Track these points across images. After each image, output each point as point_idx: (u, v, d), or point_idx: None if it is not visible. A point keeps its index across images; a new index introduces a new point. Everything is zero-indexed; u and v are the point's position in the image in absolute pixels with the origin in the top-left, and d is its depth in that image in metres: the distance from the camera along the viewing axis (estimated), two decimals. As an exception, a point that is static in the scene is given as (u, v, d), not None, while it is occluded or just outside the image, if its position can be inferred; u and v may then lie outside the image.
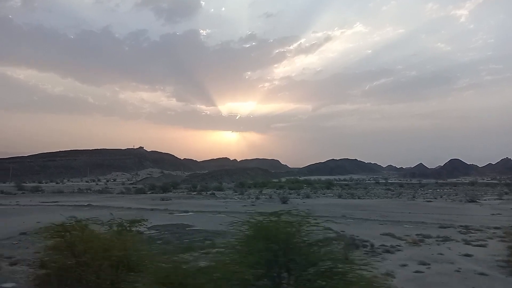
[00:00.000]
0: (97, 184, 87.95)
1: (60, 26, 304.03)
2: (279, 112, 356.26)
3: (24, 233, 14.67)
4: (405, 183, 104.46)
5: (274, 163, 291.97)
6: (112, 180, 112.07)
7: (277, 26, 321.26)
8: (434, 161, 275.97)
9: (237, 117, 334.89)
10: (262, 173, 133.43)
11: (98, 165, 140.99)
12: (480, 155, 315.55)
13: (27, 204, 31.60)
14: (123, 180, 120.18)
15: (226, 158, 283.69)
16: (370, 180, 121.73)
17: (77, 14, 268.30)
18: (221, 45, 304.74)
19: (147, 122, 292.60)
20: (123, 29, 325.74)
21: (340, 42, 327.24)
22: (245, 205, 29.66)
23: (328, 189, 67.80)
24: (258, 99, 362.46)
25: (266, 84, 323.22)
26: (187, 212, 24.94)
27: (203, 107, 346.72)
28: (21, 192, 52.78)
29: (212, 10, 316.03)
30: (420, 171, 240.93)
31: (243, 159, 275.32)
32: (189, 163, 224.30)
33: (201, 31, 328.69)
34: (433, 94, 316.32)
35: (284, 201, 33.18)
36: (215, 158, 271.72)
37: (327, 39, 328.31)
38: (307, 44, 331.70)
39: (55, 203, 31.89)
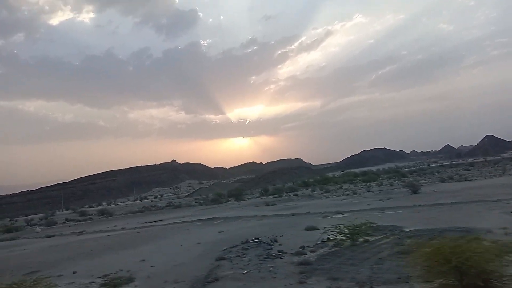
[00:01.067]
0: (152, 201, 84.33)
1: (64, 54, 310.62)
2: (288, 113, 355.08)
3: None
4: (460, 163, 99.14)
5: (298, 162, 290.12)
6: (159, 196, 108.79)
7: (277, 27, 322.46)
8: (459, 141, 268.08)
9: (246, 122, 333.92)
10: (306, 171, 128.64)
11: (137, 183, 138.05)
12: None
13: (132, 227, 27.62)
14: (168, 194, 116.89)
15: (253, 162, 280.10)
16: (419, 166, 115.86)
17: (79, 41, 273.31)
18: (223, 53, 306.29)
19: (159, 138, 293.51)
20: (125, 50, 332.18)
21: (341, 35, 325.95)
22: (380, 200, 26.28)
23: (403, 177, 62.86)
24: (265, 102, 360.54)
25: (272, 86, 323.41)
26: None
27: (212, 116, 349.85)
28: (88, 217, 49.01)
29: (211, 20, 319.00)
30: (450, 152, 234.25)
31: (268, 161, 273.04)
32: (219, 171, 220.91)
33: (202, 42, 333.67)
34: (441, 75, 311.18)
35: (415, 191, 29.75)
36: (243, 163, 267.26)
37: (328, 34, 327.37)
38: (308, 42, 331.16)
39: (165, 222, 27.87)
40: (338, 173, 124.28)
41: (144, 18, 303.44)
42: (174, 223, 26.41)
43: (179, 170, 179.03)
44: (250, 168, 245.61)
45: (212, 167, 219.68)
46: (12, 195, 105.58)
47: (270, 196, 49.61)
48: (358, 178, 70.28)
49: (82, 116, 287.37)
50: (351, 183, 61.29)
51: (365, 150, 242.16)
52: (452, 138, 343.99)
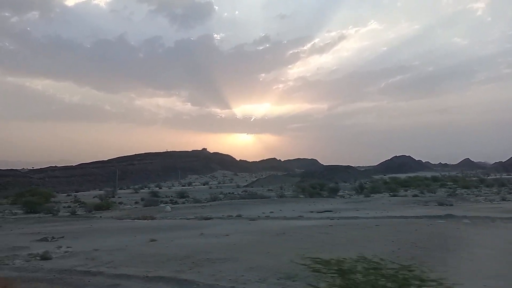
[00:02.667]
0: (211, 187, 79.35)
1: (77, 36, 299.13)
2: (294, 113, 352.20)
3: None
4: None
5: (314, 162, 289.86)
6: (204, 183, 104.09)
7: (290, 27, 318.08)
8: (479, 155, 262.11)
9: (251, 119, 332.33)
10: (355, 172, 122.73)
11: (172, 168, 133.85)
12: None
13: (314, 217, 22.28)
14: (213, 182, 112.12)
15: (274, 158, 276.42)
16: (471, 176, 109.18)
17: (93, 24, 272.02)
18: (235, 48, 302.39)
19: (164, 127, 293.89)
20: (138, 37, 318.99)
21: (354, 40, 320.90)
22: None
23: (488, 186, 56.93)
24: (272, 101, 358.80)
25: (281, 85, 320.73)
26: None
27: (218, 110, 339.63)
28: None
29: (226, 14, 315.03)
30: (471, 165, 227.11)
31: (286, 159, 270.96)
32: (244, 164, 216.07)
33: (215, 35, 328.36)
34: (451, 88, 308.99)
35: None
36: (265, 158, 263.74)
37: (342, 38, 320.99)
38: (321, 44, 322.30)
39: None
40: (379, 177, 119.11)
41: (159, 6, 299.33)
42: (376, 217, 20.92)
43: (211, 159, 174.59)
44: (271, 164, 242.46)
45: (238, 160, 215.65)
46: (54, 169, 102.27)
47: (376, 195, 44.10)
48: (438, 183, 64.71)
49: (88, 98, 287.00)
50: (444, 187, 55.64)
51: (396, 156, 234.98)
52: (469, 152, 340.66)
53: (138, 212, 32.31)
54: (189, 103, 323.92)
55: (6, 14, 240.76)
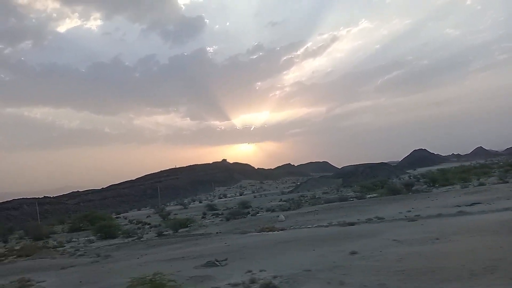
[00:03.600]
0: (255, 196, 75.54)
1: (71, 62, 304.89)
2: (293, 118, 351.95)
3: None
4: None
5: (326, 165, 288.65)
6: (235, 194, 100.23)
7: (282, 33, 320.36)
8: (488, 143, 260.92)
9: (251, 129, 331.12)
10: (389, 168, 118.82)
11: (198, 182, 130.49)
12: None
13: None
14: (246, 192, 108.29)
15: (289, 164, 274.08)
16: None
17: (86, 48, 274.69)
18: (229, 60, 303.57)
19: (165, 144, 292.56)
20: (132, 56, 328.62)
21: (347, 41, 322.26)
22: None
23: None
24: (271, 108, 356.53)
25: (277, 92, 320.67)
26: None
27: (217, 122, 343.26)
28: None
29: (217, 26, 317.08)
30: (486, 154, 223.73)
31: (300, 163, 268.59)
32: (263, 172, 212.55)
33: (208, 48, 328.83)
34: (448, 80, 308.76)
35: None
36: (280, 165, 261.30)
37: (334, 39, 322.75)
38: (314, 47, 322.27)
39: None
40: (413, 171, 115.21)
41: (151, 25, 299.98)
42: None
43: (232, 169, 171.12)
44: (287, 169, 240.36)
45: (256, 168, 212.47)
46: (87, 193, 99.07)
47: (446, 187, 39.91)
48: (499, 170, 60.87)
49: (88, 122, 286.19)
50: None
51: (415, 150, 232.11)
52: (483, 140, 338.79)
53: (241, 225, 28.82)
54: (188, 118, 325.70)
55: (0, 46, 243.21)
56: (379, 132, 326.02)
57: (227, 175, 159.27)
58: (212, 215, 43.83)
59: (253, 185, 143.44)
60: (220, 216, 40.99)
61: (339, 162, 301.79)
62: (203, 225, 34.85)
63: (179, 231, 32.63)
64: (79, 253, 22.91)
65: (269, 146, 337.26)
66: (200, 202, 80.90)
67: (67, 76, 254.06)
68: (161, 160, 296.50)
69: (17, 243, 35.71)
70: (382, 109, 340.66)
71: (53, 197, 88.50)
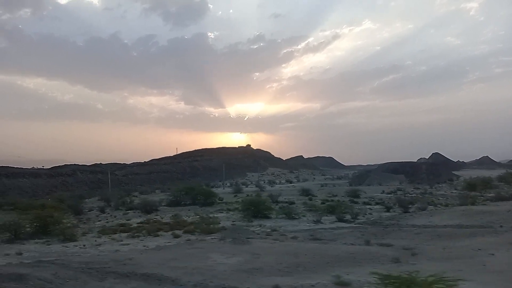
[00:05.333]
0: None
1: (69, 34, 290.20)
2: (287, 112, 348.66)
3: None
4: None
5: (331, 160, 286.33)
6: (278, 181, 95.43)
7: (285, 26, 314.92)
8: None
9: (245, 118, 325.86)
10: (445, 166, 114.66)
11: (231, 166, 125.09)
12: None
13: None
14: (282, 180, 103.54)
15: (301, 156, 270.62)
16: None
17: (86, 22, 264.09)
18: (229, 47, 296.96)
19: (157, 126, 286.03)
20: (131, 35, 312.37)
21: (348, 39, 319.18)
22: None
23: None
24: (266, 100, 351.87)
25: (274, 85, 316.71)
26: None
27: (211, 109, 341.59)
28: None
29: (220, 12, 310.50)
30: (493, 164, 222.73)
31: (310, 156, 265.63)
32: (282, 161, 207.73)
33: (209, 34, 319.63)
34: (443, 88, 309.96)
35: None
36: (293, 156, 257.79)
37: (336, 37, 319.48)
38: (315, 43, 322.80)
39: None
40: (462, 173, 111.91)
41: (153, 4, 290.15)
42: None
43: (257, 156, 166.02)
44: (300, 161, 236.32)
45: (276, 156, 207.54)
46: (132, 165, 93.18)
47: None
48: None
49: (81, 97, 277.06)
50: None
51: (437, 152, 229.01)
52: (487, 149, 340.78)
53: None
54: (182, 102, 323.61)
55: None
56: (371, 133, 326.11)
57: (253, 161, 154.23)
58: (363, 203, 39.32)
59: (283, 174, 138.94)
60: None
61: (346, 159, 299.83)
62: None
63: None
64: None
65: (261, 138, 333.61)
66: (257, 186, 75.99)
67: (64, 48, 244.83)
68: (157, 142, 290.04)
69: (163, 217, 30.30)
70: (376, 111, 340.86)
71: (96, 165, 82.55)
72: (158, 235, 22.19)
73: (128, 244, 19.95)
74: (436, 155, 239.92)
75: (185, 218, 29.49)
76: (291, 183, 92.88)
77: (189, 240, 20.38)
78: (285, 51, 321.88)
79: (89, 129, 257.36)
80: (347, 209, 29.41)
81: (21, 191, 52.65)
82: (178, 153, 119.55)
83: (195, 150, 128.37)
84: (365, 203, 38.85)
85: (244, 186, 71.89)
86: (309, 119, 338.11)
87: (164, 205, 41.31)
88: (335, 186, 71.50)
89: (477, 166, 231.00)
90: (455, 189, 57.10)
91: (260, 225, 24.60)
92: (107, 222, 29.90)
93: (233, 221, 27.36)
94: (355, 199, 42.92)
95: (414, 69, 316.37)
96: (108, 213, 36.28)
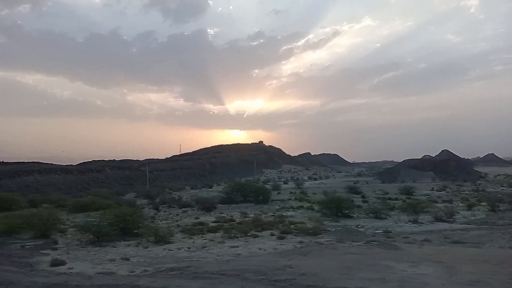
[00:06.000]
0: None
1: (69, 30, 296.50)
2: (287, 109, 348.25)
3: None
4: None
5: (336, 157, 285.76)
6: (298, 178, 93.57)
7: (285, 22, 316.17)
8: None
9: (244, 115, 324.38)
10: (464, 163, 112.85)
11: (248, 162, 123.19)
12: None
13: None
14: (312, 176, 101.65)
15: (308, 153, 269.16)
16: None
17: (85, 18, 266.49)
18: (229, 44, 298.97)
19: (156, 123, 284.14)
20: (131, 31, 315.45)
21: (348, 36, 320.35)
22: None
23: None
24: (266, 97, 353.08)
25: (274, 82, 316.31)
26: None
27: (210, 106, 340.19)
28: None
29: (220, 9, 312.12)
30: (498, 161, 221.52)
31: (316, 154, 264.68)
32: (293, 158, 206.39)
33: (209, 30, 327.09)
34: (443, 85, 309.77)
35: None
36: (301, 153, 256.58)
37: (335, 34, 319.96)
38: (315, 40, 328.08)
39: None
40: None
41: (153, 0, 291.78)
42: None
43: (270, 152, 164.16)
44: (309, 158, 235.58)
45: (287, 154, 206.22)
46: (155, 162, 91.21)
47: None
48: None
49: (80, 93, 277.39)
50: None
51: (446, 149, 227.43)
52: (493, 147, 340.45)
53: None
54: (182, 99, 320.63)
55: None
56: (371, 130, 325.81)
57: (267, 158, 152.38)
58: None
59: (300, 170, 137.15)
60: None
61: (352, 156, 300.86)
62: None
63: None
64: None
65: (260, 135, 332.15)
66: (286, 183, 74.07)
67: (63, 45, 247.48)
68: (159, 140, 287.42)
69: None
70: (375, 108, 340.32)
71: (121, 161, 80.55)
72: (257, 236, 20.30)
73: (237, 246, 18.02)
74: (445, 153, 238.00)
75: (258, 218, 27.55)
76: (315, 180, 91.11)
77: (301, 242, 18.43)
78: (285, 47, 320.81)
79: (90, 125, 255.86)
80: (427, 208, 27.62)
81: (55, 187, 50.75)
82: (196, 149, 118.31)
83: (211, 146, 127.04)
84: (430, 201, 36.97)
85: (281, 183, 69.69)
86: (309, 116, 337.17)
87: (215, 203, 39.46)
88: (368, 184, 69.60)
89: (484, 163, 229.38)
90: (502, 187, 55.42)
91: (358, 226, 22.68)
92: (176, 221, 27.96)
93: (314, 220, 25.45)
94: (411, 197, 41.14)
95: (414, 66, 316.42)
96: (165, 211, 34.32)
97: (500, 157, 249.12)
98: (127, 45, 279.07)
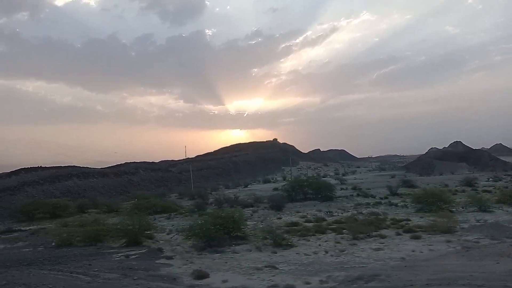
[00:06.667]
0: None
1: (67, 36, 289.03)
2: (287, 107, 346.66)
3: None
4: None
5: (343, 153, 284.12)
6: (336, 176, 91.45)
7: (282, 20, 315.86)
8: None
9: (245, 115, 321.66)
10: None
11: (266, 160, 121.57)
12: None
13: None
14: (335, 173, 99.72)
15: (318, 149, 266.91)
16: None
17: (83, 23, 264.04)
18: (227, 44, 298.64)
19: (157, 126, 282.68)
20: (129, 35, 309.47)
21: (346, 32, 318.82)
22: None
23: None
24: (265, 96, 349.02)
25: (273, 80, 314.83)
26: None
27: (210, 106, 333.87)
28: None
29: (217, 9, 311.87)
30: (505, 150, 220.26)
31: (325, 150, 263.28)
32: (301, 154, 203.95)
33: (207, 31, 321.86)
34: (443, 78, 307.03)
35: None
36: (312, 149, 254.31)
37: (334, 30, 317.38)
38: (313, 37, 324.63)
39: None
40: None
41: (150, 3, 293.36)
42: None
43: (285, 149, 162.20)
44: (320, 155, 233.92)
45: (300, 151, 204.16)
46: (180, 162, 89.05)
47: None
48: None
49: (80, 99, 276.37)
50: None
51: (459, 141, 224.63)
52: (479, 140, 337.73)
53: None
54: (181, 100, 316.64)
55: None
56: (372, 125, 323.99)
57: (283, 155, 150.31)
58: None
59: (319, 167, 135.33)
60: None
61: (358, 151, 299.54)
62: None
63: None
64: None
65: (261, 134, 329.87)
66: (338, 179, 71.82)
67: (62, 51, 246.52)
68: (163, 142, 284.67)
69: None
70: (375, 102, 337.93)
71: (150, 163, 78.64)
72: (384, 236, 18.17)
73: (380, 248, 16.03)
74: (459, 144, 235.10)
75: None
76: (343, 176, 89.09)
77: (449, 241, 16.36)
78: (283, 45, 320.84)
79: (89, 130, 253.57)
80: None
81: (96, 191, 48.95)
82: (217, 148, 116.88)
83: (231, 145, 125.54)
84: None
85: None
86: (309, 113, 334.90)
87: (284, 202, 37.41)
88: (407, 177, 67.52)
89: (496, 154, 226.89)
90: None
91: (478, 220, 20.68)
92: (260, 222, 26.01)
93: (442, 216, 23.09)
94: (475, 189, 39.10)
95: (414, 59, 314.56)
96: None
97: (508, 146, 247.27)
98: (126, 49, 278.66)
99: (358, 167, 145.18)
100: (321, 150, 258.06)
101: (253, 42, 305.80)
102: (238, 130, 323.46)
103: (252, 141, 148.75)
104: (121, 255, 17.09)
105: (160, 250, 17.98)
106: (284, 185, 42.16)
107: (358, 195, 38.65)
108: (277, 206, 31.33)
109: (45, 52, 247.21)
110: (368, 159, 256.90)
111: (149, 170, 65.62)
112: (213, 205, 36.84)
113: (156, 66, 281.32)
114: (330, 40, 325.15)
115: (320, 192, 36.80)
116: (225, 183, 70.30)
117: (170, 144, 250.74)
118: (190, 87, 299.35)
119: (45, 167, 51.36)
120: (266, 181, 76.45)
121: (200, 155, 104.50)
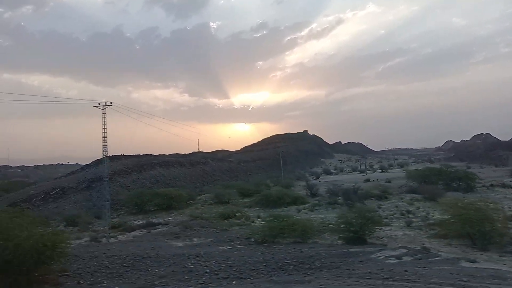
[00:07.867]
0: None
1: (72, 30, 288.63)
2: (292, 100, 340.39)
3: None
4: None
5: (360, 146, 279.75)
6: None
7: (288, 12, 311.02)
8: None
9: (249, 109, 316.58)
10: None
11: (304, 152, 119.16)
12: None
13: None
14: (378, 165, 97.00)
15: (340, 141, 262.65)
16: None
17: (88, 17, 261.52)
18: (232, 37, 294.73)
19: (162, 119, 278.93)
20: (134, 28, 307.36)
21: (352, 24, 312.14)
22: None
23: None
24: (270, 89, 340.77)
25: (278, 73, 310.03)
26: None
27: (215, 100, 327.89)
28: None
29: (222, 1, 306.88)
30: None
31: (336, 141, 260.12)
32: (329, 146, 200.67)
33: (212, 24, 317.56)
34: (449, 70, 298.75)
35: None
36: (333, 142, 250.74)
37: (339, 22, 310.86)
38: (318, 29, 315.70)
39: None
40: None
41: None
42: None
43: (316, 142, 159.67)
44: (341, 147, 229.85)
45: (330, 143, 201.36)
46: (235, 153, 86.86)
47: None
48: None
49: (86, 93, 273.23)
50: None
51: (488, 133, 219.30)
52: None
53: None
54: (186, 94, 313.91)
55: (0, 9, 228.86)
56: (378, 118, 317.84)
57: (317, 147, 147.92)
58: None
59: (357, 160, 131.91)
60: None
61: (375, 145, 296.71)
62: None
63: None
64: None
65: (265, 127, 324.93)
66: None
67: (67, 45, 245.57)
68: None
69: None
70: (382, 95, 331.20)
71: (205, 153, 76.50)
72: None
73: None
74: (487, 137, 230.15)
75: None
76: (389, 169, 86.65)
77: None
78: (288, 38, 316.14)
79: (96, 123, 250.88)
80: None
81: (181, 181, 47.31)
82: (261, 139, 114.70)
83: (271, 136, 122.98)
84: None
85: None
86: (314, 106, 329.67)
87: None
88: (457, 168, 64.75)
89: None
90: None
91: None
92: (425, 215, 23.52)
93: None
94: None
95: (420, 51, 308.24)
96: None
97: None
98: (131, 43, 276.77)
99: (396, 159, 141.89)
100: (342, 143, 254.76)
101: (258, 35, 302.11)
102: (243, 124, 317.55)
103: (287, 132, 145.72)
104: (380, 257, 14.83)
105: (425, 249, 15.78)
106: (411, 174, 40.28)
107: (491, 185, 36.78)
108: (432, 197, 29.28)
109: (50, 45, 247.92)
110: (385, 152, 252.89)
111: (217, 160, 63.73)
112: (328, 195, 34.62)
113: (161, 59, 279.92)
114: (336, 32, 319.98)
115: (460, 181, 35.34)
116: (288, 174, 67.72)
117: (180, 137, 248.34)
118: (195, 81, 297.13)
119: (128, 155, 49.58)
120: (327, 172, 74.69)
121: (248, 145, 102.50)
